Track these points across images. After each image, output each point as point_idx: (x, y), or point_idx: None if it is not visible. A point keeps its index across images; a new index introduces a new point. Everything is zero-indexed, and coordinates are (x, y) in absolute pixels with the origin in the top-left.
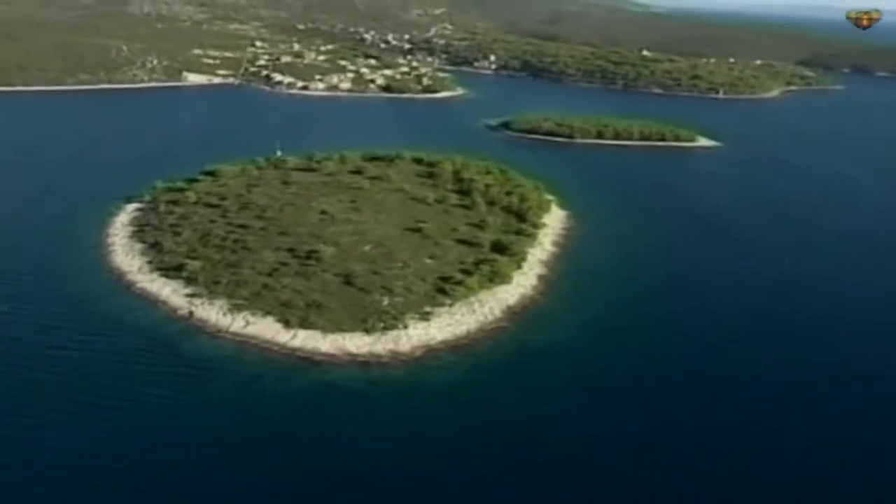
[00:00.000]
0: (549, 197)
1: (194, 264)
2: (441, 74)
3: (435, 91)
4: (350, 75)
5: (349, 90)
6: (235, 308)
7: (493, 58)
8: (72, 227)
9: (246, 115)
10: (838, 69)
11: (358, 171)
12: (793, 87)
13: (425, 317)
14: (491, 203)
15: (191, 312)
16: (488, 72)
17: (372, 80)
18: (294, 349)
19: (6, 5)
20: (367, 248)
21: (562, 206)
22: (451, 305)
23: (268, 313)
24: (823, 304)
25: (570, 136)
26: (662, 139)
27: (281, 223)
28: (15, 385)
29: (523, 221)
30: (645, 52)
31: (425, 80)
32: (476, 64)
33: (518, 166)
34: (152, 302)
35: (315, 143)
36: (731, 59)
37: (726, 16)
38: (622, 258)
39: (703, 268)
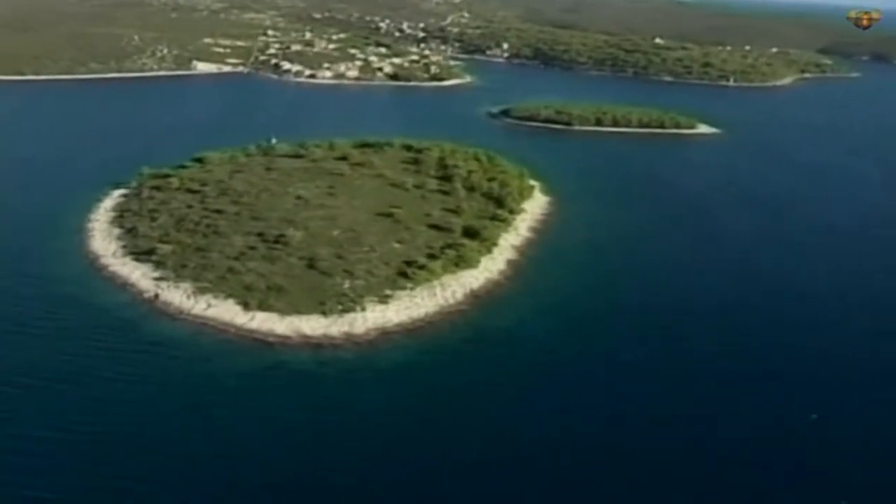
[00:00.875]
0: (533, 183)
1: (165, 248)
2: (452, 63)
3: (442, 79)
4: (358, 63)
5: (356, 78)
6: (199, 291)
7: (505, 46)
8: (58, 212)
9: (249, 103)
10: (857, 57)
11: (343, 158)
12: (807, 75)
13: (384, 300)
14: (471, 189)
15: (156, 295)
16: (500, 60)
17: (380, 69)
18: (251, 331)
19: None
20: (335, 232)
21: (545, 192)
22: (412, 289)
23: (229, 296)
24: (787, 292)
25: (569, 124)
26: (662, 126)
27: (255, 208)
28: None
29: (501, 207)
30: (658, 40)
31: (433, 69)
32: (489, 52)
33: (510, 153)
34: (121, 285)
35: (312, 130)
36: (747, 48)
37: (753, 5)
38: (597, 245)
39: (674, 255)
